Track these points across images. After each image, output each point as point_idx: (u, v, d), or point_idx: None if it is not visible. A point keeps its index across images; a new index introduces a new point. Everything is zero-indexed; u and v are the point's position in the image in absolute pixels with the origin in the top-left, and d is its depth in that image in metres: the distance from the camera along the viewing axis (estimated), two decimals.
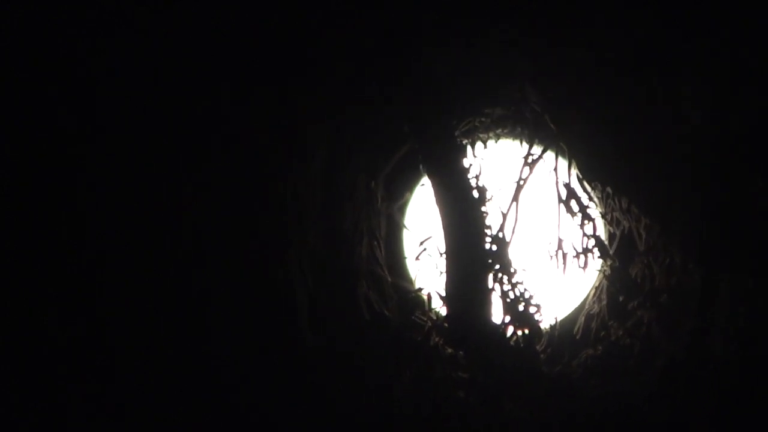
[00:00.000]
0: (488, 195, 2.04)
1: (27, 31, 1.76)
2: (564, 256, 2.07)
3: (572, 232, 2.08)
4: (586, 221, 2.07)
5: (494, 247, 2.03)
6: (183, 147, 1.90)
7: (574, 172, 2.06)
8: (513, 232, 2.06)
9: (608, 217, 2.14)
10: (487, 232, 2.03)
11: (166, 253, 1.89)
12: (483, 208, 2.03)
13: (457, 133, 2.07)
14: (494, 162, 2.11)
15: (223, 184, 1.91)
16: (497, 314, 2.04)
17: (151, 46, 1.86)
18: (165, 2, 1.83)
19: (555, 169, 2.07)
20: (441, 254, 2.05)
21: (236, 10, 1.89)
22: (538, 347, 2.08)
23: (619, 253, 2.14)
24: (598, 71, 1.86)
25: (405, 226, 2.21)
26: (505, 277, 2.04)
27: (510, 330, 2.04)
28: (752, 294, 1.88)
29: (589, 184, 2.07)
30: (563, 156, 2.07)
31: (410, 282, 2.20)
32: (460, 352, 2.08)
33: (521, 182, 2.07)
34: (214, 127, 1.91)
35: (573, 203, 2.07)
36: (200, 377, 1.89)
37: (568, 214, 2.07)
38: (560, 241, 2.07)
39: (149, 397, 1.87)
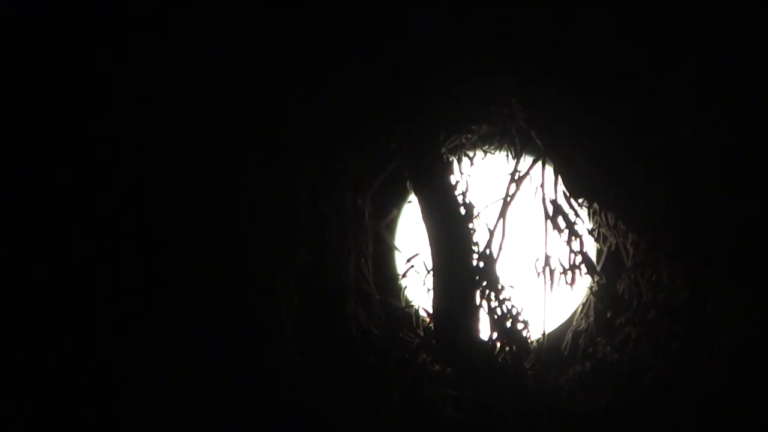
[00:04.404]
0: (475, 211, 2.05)
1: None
2: (551, 272, 2.07)
3: (559, 249, 2.08)
4: (573, 238, 2.07)
5: (481, 264, 2.04)
6: (171, 163, 1.90)
7: (561, 188, 2.06)
8: (500, 248, 2.06)
9: (595, 233, 2.14)
10: (474, 248, 2.03)
11: (148, 270, 1.89)
12: (470, 225, 2.04)
13: (443, 150, 2.07)
14: (481, 178, 2.11)
15: (208, 201, 1.91)
16: (485, 331, 2.04)
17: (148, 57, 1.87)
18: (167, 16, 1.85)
19: (542, 186, 2.07)
20: (428, 271, 2.05)
21: (229, 24, 1.90)
22: (525, 364, 2.08)
23: (606, 269, 2.14)
24: (586, 88, 1.86)
25: (393, 244, 2.21)
26: (493, 294, 2.03)
27: (498, 346, 2.04)
28: (740, 313, 1.88)
29: (576, 201, 2.07)
30: (550, 172, 2.07)
31: (398, 299, 2.19)
32: (448, 369, 2.07)
33: (508, 199, 2.07)
34: (200, 143, 1.91)
35: (560, 220, 2.07)
36: (184, 397, 1.88)
37: (555, 231, 2.07)
38: (547, 257, 2.07)
39: (133, 417, 1.86)
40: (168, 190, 1.91)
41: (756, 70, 1.73)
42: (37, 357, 1.81)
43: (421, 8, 1.95)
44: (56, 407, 1.81)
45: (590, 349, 2.13)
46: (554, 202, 2.07)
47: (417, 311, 2.16)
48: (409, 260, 2.13)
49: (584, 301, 2.18)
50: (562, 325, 2.20)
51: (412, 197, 2.07)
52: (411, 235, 2.17)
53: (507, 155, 2.12)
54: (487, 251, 2.04)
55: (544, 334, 2.12)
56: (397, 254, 2.21)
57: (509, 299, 2.04)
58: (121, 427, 1.85)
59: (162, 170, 1.90)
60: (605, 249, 2.15)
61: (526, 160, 2.09)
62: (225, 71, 1.91)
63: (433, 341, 2.06)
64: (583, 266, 2.08)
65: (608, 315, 2.13)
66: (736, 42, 1.74)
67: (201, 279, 1.92)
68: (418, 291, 2.12)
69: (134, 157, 1.88)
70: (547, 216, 2.07)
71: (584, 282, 2.13)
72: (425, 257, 2.07)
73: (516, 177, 2.08)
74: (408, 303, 2.18)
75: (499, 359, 2.03)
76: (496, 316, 2.03)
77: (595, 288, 2.14)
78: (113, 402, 1.85)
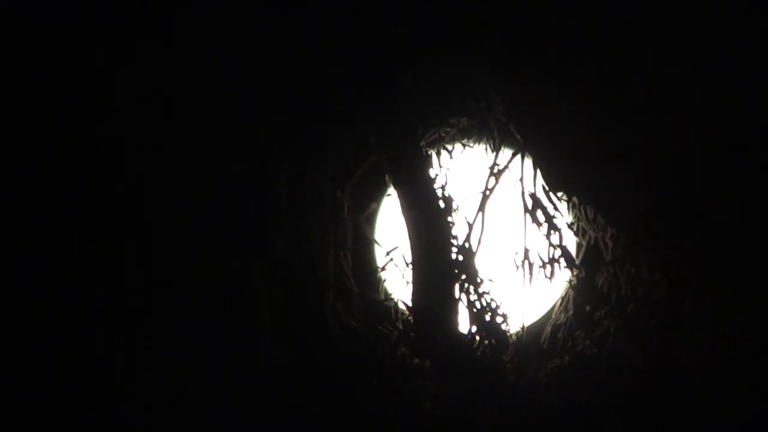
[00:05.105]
0: (454, 205, 2.05)
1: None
2: (530, 266, 2.07)
3: (538, 242, 2.08)
4: (552, 231, 2.07)
5: (460, 257, 2.04)
6: (144, 159, 1.89)
7: (540, 182, 2.07)
8: (479, 242, 2.06)
9: (574, 227, 2.15)
10: (454, 242, 2.04)
11: (127, 265, 1.88)
12: (449, 218, 2.04)
13: (422, 143, 2.07)
14: (460, 172, 2.11)
15: (187, 196, 1.91)
16: (464, 324, 2.04)
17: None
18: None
19: (521, 179, 2.08)
20: (407, 264, 2.05)
21: (213, 20, 1.90)
22: (504, 357, 2.08)
23: (585, 263, 2.15)
24: (565, 81, 1.87)
25: (372, 238, 2.21)
26: (472, 287, 2.04)
27: (477, 340, 2.04)
28: (719, 307, 1.89)
29: (555, 194, 2.07)
30: (529, 166, 2.08)
31: (377, 292, 2.19)
32: (427, 363, 2.07)
33: (487, 192, 2.08)
34: (175, 139, 1.91)
35: (539, 213, 2.07)
36: (162, 393, 1.88)
37: (534, 224, 2.07)
38: (526, 251, 2.07)
39: (109, 412, 1.86)
40: (152, 187, 1.90)
41: (738, 70, 1.74)
42: (37, 357, 1.81)
43: (401, 3, 1.96)
44: (56, 407, 1.81)
45: (569, 343, 2.14)
46: (533, 196, 2.07)
47: (396, 304, 2.16)
48: (388, 253, 2.13)
49: (563, 294, 2.19)
50: (541, 319, 2.20)
51: (392, 190, 2.07)
52: (390, 228, 2.17)
53: (486, 148, 2.12)
54: (467, 244, 2.04)
55: (523, 328, 2.12)
56: (376, 247, 2.21)
57: (488, 293, 2.04)
58: (118, 427, 1.85)
59: (142, 167, 1.90)
60: (584, 243, 2.16)
61: (505, 154, 2.10)
62: (203, 67, 1.91)
63: (412, 334, 2.06)
64: (562, 260, 2.08)
65: (587, 309, 2.14)
66: (721, 41, 1.75)
67: (179, 275, 1.92)
68: (398, 284, 2.12)
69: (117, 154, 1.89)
70: (526, 209, 2.07)
71: (563, 276, 2.13)
72: (404, 250, 2.06)
73: (495, 170, 2.08)
74: (387, 296, 2.18)
75: (478, 353, 2.03)
76: (475, 310, 2.03)
77: (574, 282, 2.15)
78: (109, 402, 1.85)
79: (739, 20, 1.77)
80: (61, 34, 1.80)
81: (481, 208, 2.07)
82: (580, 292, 2.14)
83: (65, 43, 1.80)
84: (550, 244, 2.07)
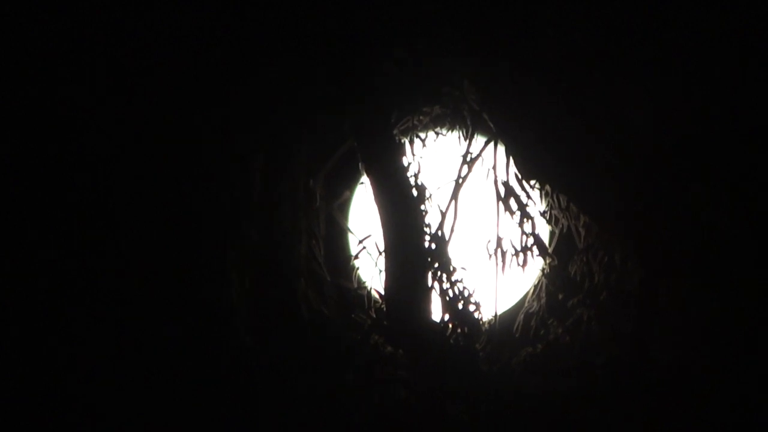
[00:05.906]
0: (427, 193, 2.05)
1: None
2: (503, 254, 2.07)
3: (511, 231, 2.08)
4: (525, 219, 2.07)
5: (433, 246, 2.03)
6: (120, 149, 1.88)
7: (513, 170, 2.07)
8: (452, 230, 2.06)
9: (547, 215, 2.15)
10: (426, 230, 2.03)
11: (101, 254, 1.87)
12: (422, 207, 2.03)
13: (395, 131, 2.07)
14: (433, 160, 2.11)
15: (159, 183, 1.90)
16: (437, 312, 2.04)
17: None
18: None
19: (494, 168, 2.08)
20: (380, 252, 2.05)
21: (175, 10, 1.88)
22: (477, 346, 2.08)
23: (558, 251, 2.15)
24: (538, 71, 1.87)
25: (346, 226, 2.20)
26: (445, 276, 2.03)
27: (449, 328, 2.04)
28: (690, 297, 1.89)
29: (528, 183, 2.07)
30: (502, 154, 2.08)
31: (350, 281, 2.19)
32: (400, 351, 2.07)
33: (460, 180, 2.07)
34: (149, 128, 1.90)
35: (512, 201, 2.07)
36: (136, 379, 1.86)
37: (507, 213, 2.07)
38: (499, 239, 2.07)
39: (81, 403, 1.84)
40: (124, 177, 1.89)
41: (715, 62, 1.75)
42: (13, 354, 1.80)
43: None
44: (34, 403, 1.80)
45: (542, 331, 2.14)
46: (506, 184, 2.07)
47: (369, 293, 2.16)
48: (361, 242, 2.12)
49: (536, 282, 2.19)
50: (513, 307, 2.21)
51: (365, 179, 2.06)
52: (363, 216, 2.17)
53: (459, 137, 2.12)
54: (439, 233, 2.04)
55: (495, 316, 2.12)
56: (349, 236, 2.21)
57: (461, 281, 2.05)
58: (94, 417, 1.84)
59: (114, 157, 1.89)
60: (557, 231, 2.16)
61: (478, 142, 2.10)
62: (177, 54, 1.90)
63: (385, 322, 2.06)
64: (534, 248, 2.08)
65: (560, 297, 2.14)
66: (696, 32, 1.75)
67: (152, 263, 1.90)
68: (371, 272, 2.12)
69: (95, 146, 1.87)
70: (499, 198, 2.07)
71: (536, 264, 2.14)
72: (377, 239, 2.06)
73: (468, 158, 2.08)
74: (360, 284, 2.18)
75: (451, 341, 2.03)
76: (447, 298, 2.03)
77: (547, 270, 2.15)
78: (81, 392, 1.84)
79: (712, 11, 1.77)
80: (50, 35, 1.79)
81: (454, 196, 2.07)
82: (553, 280, 2.14)
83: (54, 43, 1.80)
84: (523, 232, 2.08)
